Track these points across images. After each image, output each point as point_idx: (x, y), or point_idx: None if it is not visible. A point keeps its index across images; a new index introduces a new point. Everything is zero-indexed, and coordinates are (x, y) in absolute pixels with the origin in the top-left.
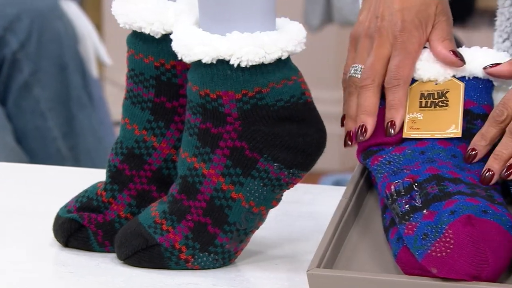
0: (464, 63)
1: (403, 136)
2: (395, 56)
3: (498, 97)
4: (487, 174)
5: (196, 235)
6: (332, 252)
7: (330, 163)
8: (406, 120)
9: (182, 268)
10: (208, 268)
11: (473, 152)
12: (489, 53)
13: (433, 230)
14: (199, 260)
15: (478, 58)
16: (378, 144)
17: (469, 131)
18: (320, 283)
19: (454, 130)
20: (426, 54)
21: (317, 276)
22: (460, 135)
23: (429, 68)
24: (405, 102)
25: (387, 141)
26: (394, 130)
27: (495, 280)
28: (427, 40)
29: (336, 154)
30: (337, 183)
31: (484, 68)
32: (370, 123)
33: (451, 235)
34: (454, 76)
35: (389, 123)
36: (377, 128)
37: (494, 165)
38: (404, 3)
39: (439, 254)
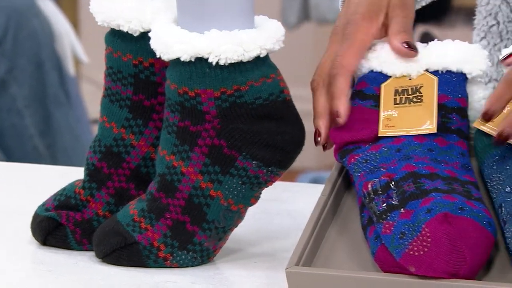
0: (417, 52)
1: (379, 135)
2: (339, 49)
3: (472, 90)
4: (504, 132)
5: (174, 233)
6: (311, 250)
7: (307, 160)
8: (382, 118)
9: (161, 266)
10: (187, 266)
11: (488, 116)
12: (461, 46)
13: (410, 229)
14: (178, 258)
15: (450, 52)
16: (354, 142)
17: (444, 125)
18: (298, 281)
19: (429, 126)
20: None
21: (296, 274)
22: (435, 131)
23: (401, 63)
24: (346, 89)
25: (363, 138)
26: (341, 119)
27: (473, 277)
28: (386, 34)
29: (313, 152)
30: (315, 181)
31: (502, 60)
32: (321, 126)
33: (428, 234)
34: (427, 70)
35: (336, 113)
36: (351, 126)
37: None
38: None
39: (416, 253)
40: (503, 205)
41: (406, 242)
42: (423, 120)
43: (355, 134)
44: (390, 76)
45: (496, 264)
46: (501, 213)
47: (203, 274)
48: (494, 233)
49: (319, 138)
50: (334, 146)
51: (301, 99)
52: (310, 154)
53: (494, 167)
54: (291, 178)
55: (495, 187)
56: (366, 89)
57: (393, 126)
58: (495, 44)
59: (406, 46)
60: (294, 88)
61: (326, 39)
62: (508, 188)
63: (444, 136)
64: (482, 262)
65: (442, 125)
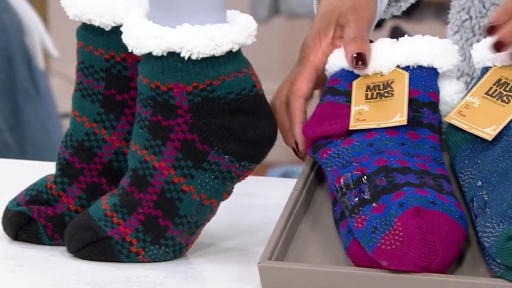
0: (366, 66)
1: (350, 128)
2: (292, 74)
3: (443, 84)
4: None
5: (147, 228)
6: (283, 245)
7: (277, 154)
8: (353, 113)
9: (133, 261)
10: (159, 261)
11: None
12: (432, 41)
13: (382, 223)
14: (150, 253)
15: (420, 47)
16: (326, 136)
17: (415, 119)
18: (271, 276)
19: (400, 118)
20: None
21: (268, 268)
22: (405, 123)
23: (372, 61)
24: (299, 115)
25: (335, 133)
26: (299, 147)
27: (444, 271)
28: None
29: (283, 146)
30: (285, 175)
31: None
32: (289, 143)
33: (400, 228)
34: (398, 66)
35: (295, 143)
36: (323, 121)
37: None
38: (315, 17)
39: (388, 247)
40: (474, 199)
41: (378, 236)
42: (394, 113)
43: (327, 129)
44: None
45: (468, 258)
46: (473, 207)
47: (176, 269)
48: (466, 227)
49: (299, 153)
50: (306, 141)
51: (272, 93)
52: (280, 148)
53: (466, 161)
54: (262, 172)
55: (467, 181)
56: (338, 85)
57: (364, 119)
58: (467, 39)
59: (354, 62)
60: (264, 82)
61: (296, 33)
62: (480, 182)
63: (416, 130)
64: (454, 256)
65: (413, 119)
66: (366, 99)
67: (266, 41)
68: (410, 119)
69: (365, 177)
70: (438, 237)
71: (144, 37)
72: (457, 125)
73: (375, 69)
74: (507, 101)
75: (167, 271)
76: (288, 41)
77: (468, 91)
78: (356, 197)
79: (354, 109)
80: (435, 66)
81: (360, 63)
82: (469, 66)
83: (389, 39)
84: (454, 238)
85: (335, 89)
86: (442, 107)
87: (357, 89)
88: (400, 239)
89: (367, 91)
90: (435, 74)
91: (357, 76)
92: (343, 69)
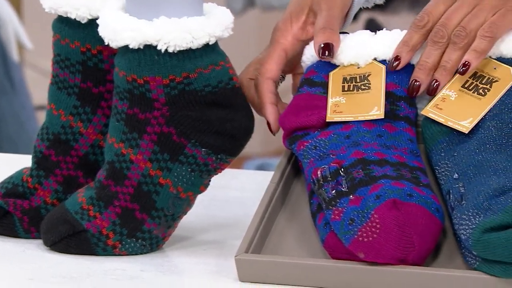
0: (332, 57)
1: (327, 120)
2: (263, 55)
3: None
4: (414, 84)
5: (123, 221)
6: (260, 238)
7: (252, 147)
8: (330, 104)
9: (110, 254)
10: (136, 254)
11: (397, 62)
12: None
13: (359, 215)
14: (127, 246)
15: (398, 41)
16: (303, 128)
17: (392, 112)
18: (248, 268)
19: (377, 112)
20: (346, 40)
21: (245, 261)
22: (382, 116)
23: (350, 52)
24: (268, 95)
25: (312, 124)
26: (272, 127)
27: (421, 263)
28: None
29: (258, 138)
30: (261, 168)
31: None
32: (266, 114)
33: (377, 220)
34: (375, 59)
35: (267, 123)
36: (300, 112)
37: (419, 75)
38: (290, 1)
39: (365, 239)
40: (450, 191)
41: (355, 229)
42: (371, 106)
43: (304, 120)
44: (338, 65)
45: (444, 250)
46: (449, 199)
47: (152, 262)
48: (442, 219)
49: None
50: (283, 132)
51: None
52: (255, 140)
53: (442, 154)
54: (237, 164)
55: (443, 173)
56: (315, 76)
57: (341, 112)
58: None
59: (321, 52)
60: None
61: (271, 26)
62: (456, 175)
63: (393, 122)
64: (430, 248)
65: (390, 112)
66: (342, 91)
67: (241, 33)
68: (387, 112)
69: (342, 169)
70: (415, 229)
71: (120, 30)
72: (434, 118)
73: (351, 60)
74: (483, 93)
75: (144, 264)
76: (263, 34)
77: (445, 85)
78: (334, 189)
79: (331, 100)
80: (412, 61)
81: (326, 53)
82: None
83: (368, 31)
84: (431, 231)
85: (311, 81)
86: (418, 106)
87: (334, 80)
88: (377, 231)
89: (343, 83)
90: (411, 69)
91: (334, 67)
92: (320, 60)
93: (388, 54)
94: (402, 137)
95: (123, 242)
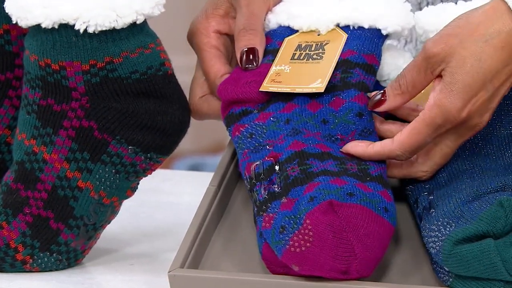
0: (256, 65)
1: (260, 89)
2: None
3: (386, 56)
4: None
5: (35, 231)
6: (198, 250)
7: (184, 143)
8: (271, 72)
9: (19, 271)
10: (51, 270)
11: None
12: (378, 0)
13: (291, 222)
14: (39, 261)
15: (363, 7)
16: (242, 101)
17: (343, 80)
18: (183, 286)
19: (319, 84)
20: (307, 3)
21: (180, 277)
22: (322, 91)
23: (310, 17)
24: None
25: (251, 97)
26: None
27: (368, 274)
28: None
29: (192, 133)
30: (194, 167)
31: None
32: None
33: (309, 226)
34: (338, 26)
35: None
36: (239, 79)
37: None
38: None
39: (298, 249)
40: (419, 199)
41: (286, 237)
42: (314, 78)
43: (242, 90)
44: (297, 31)
45: (408, 261)
46: (417, 208)
47: (70, 280)
48: (392, 220)
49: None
50: (221, 104)
51: (181, 70)
52: (188, 135)
53: None
54: (166, 165)
55: (411, 180)
56: (269, 45)
57: (280, 81)
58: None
59: (245, 59)
60: (174, 57)
61: (204, 1)
62: (427, 184)
63: (341, 94)
64: (378, 256)
65: (341, 81)
66: (291, 59)
67: (174, 11)
68: (336, 82)
69: (277, 166)
70: (355, 234)
71: (31, 7)
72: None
73: (310, 25)
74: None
75: (60, 283)
76: (194, 9)
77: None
78: (266, 190)
79: (274, 68)
80: (379, 26)
81: (251, 57)
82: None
83: None
84: (377, 235)
85: (265, 50)
86: (386, 76)
87: (287, 47)
88: (310, 239)
89: (296, 50)
90: (379, 37)
91: (292, 33)
92: (280, 25)
93: (351, 20)
94: (349, 114)
95: (35, 257)
